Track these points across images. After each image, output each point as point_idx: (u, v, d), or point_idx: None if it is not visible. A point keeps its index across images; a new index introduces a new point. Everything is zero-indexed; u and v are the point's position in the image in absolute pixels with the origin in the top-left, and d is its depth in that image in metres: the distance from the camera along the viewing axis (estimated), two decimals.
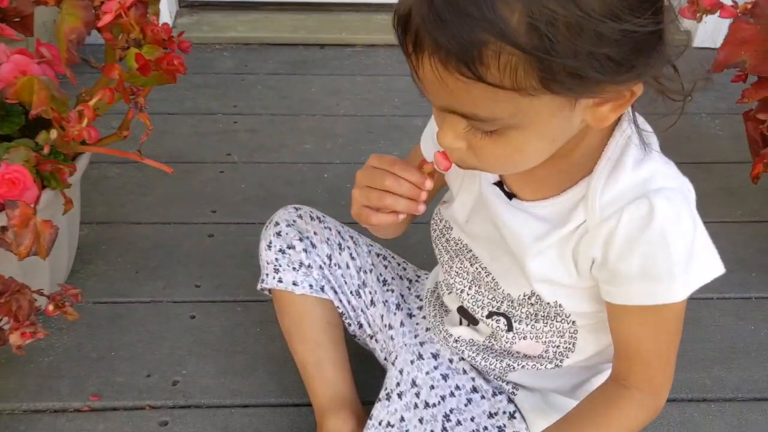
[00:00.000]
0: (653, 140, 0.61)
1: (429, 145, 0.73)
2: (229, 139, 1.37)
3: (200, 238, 1.13)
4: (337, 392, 0.83)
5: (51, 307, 0.79)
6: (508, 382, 0.78)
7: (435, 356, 0.80)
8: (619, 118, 0.58)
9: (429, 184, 0.61)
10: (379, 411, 0.77)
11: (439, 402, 0.76)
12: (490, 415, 0.75)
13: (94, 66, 1.25)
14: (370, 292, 0.87)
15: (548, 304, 0.68)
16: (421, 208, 0.62)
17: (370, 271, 0.88)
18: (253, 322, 0.98)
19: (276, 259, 0.84)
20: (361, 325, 0.88)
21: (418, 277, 0.92)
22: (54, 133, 0.79)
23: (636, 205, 0.57)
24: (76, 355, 0.93)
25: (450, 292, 0.77)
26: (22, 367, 0.91)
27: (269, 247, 0.85)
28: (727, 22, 0.95)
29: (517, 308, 0.70)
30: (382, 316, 0.87)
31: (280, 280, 0.84)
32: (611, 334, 0.67)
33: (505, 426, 0.75)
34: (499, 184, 0.66)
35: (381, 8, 1.76)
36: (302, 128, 1.41)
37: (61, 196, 0.84)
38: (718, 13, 0.97)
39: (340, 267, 0.86)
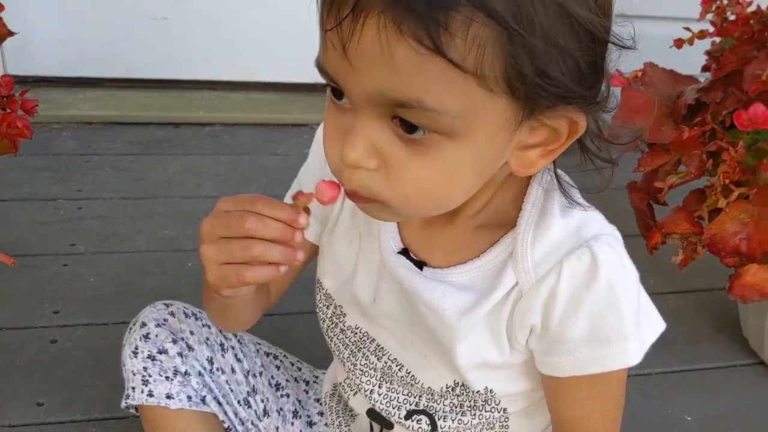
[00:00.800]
0: (574, 191, 0.54)
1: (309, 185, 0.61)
2: (74, 228, 1.18)
3: (42, 344, 0.93)
4: None
5: None
6: None
7: None
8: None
9: (303, 220, 0.48)
10: None
11: None
12: None
13: None
14: (262, 400, 0.73)
15: (477, 392, 0.58)
16: (300, 255, 0.49)
17: (260, 374, 0.75)
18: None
19: (144, 368, 0.68)
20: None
21: (316, 377, 0.80)
22: None
23: (576, 256, 0.50)
24: None
25: (356, 393, 0.66)
26: None
27: (135, 353, 0.68)
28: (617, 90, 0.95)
29: (439, 402, 0.60)
30: (277, 428, 0.73)
31: (150, 394, 0.67)
32: (551, 414, 0.58)
33: None
34: (404, 252, 0.57)
35: (239, 87, 1.67)
36: (160, 212, 1.26)
37: None
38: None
39: (224, 372, 0.72)
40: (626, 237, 0.54)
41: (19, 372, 0.88)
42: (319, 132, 0.62)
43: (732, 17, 0.89)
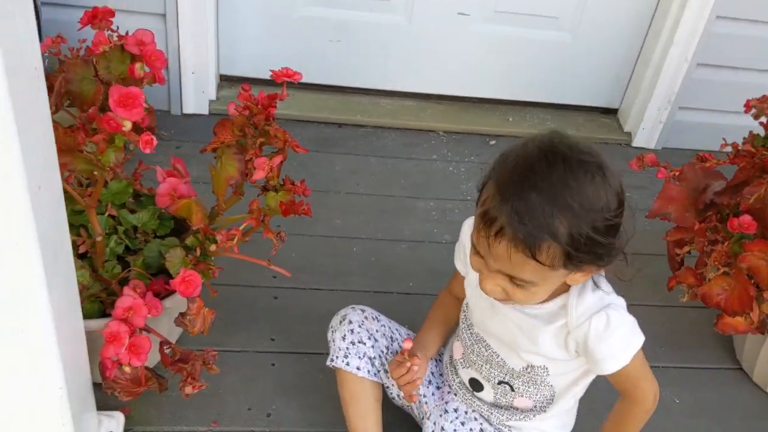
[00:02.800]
0: (602, 280, 1.04)
1: (460, 266, 1.15)
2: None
3: (268, 299, 1.50)
4: None
5: (199, 365, 1.15)
6: (505, 426, 1.19)
7: (456, 410, 1.21)
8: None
9: (410, 363, 1.12)
10: None
11: None
12: None
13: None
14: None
15: (538, 372, 1.09)
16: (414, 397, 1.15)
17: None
18: (317, 369, 1.36)
19: (347, 348, 1.21)
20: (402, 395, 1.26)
21: (440, 356, 1.32)
22: (213, 246, 1.15)
23: (598, 316, 1.00)
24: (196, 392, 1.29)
25: (468, 368, 1.18)
26: (158, 399, 1.27)
27: (343, 338, 1.21)
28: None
29: (517, 378, 1.12)
30: (419, 388, 1.26)
31: (347, 364, 1.20)
32: (614, 384, 1.09)
33: None
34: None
35: (388, 95, 2.16)
36: (331, 204, 1.79)
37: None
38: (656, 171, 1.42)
39: (392, 354, 1.25)
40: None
41: (257, 316, 1.45)
42: (465, 226, 1.13)
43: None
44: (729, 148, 1.36)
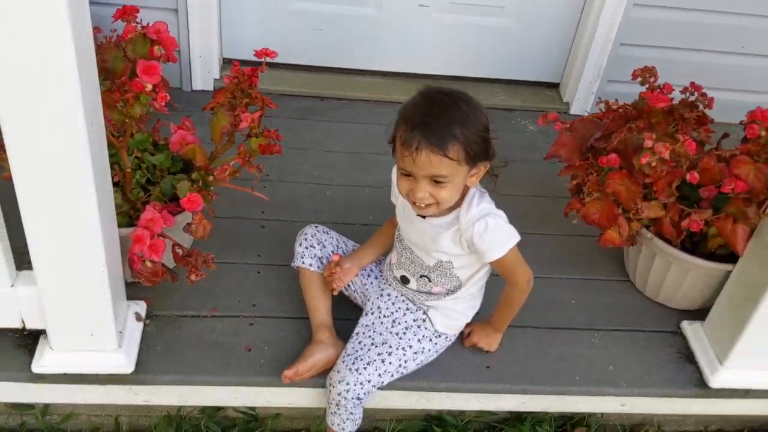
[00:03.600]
0: (486, 195, 1.46)
1: (393, 199, 1.58)
2: (269, 166, 2.16)
3: (258, 229, 1.94)
4: (323, 320, 1.65)
5: (200, 260, 1.59)
6: (425, 304, 1.62)
7: (389, 295, 1.64)
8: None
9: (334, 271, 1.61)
10: (361, 321, 1.61)
11: (390, 314, 1.61)
12: (414, 320, 1.60)
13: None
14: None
15: (446, 266, 1.52)
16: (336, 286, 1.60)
17: None
18: (291, 277, 1.79)
19: (303, 251, 1.67)
20: (348, 287, 1.70)
21: (381, 261, 1.75)
22: (211, 178, 1.59)
23: (479, 222, 1.43)
24: (199, 287, 1.72)
25: (400, 268, 1.61)
26: (171, 293, 1.71)
27: (300, 245, 1.67)
28: None
29: (432, 272, 1.55)
30: (362, 281, 1.69)
31: (303, 262, 1.66)
32: (498, 271, 1.52)
33: (421, 325, 1.60)
34: (422, 216, 1.50)
35: (362, 73, 2.58)
36: (312, 159, 2.23)
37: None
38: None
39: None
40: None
41: (249, 239, 1.89)
42: (393, 176, 1.56)
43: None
44: (603, 106, 1.77)
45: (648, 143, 1.54)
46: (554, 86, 2.69)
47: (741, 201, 1.57)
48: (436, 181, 1.36)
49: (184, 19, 2.28)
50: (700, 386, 1.72)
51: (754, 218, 1.56)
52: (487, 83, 2.66)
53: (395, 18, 2.48)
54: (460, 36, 2.54)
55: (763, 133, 1.56)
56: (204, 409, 1.76)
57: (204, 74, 2.39)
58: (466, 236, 1.46)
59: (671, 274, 1.79)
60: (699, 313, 1.83)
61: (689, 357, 1.78)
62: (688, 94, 1.86)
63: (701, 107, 1.82)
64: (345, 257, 1.68)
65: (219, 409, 1.77)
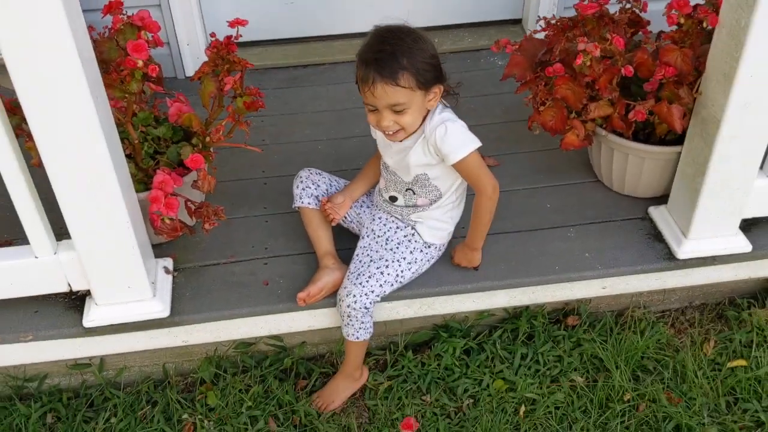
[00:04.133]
0: (449, 110, 1.67)
1: (373, 134, 1.80)
2: (262, 126, 2.39)
3: (262, 185, 2.17)
4: (327, 249, 1.89)
5: (212, 210, 1.82)
6: (412, 220, 1.84)
7: (380, 218, 1.87)
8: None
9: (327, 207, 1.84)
10: (359, 244, 1.83)
11: (383, 234, 1.84)
12: (405, 235, 1.83)
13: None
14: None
15: (423, 178, 1.74)
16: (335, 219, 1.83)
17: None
18: (295, 221, 2.02)
19: (300, 192, 1.90)
20: (345, 219, 1.92)
21: (371, 193, 1.97)
22: (208, 140, 1.82)
23: (439, 127, 1.64)
24: (216, 240, 1.96)
25: (387, 190, 1.83)
26: (192, 248, 1.95)
27: (297, 187, 1.90)
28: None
29: (413, 185, 1.77)
30: (356, 211, 1.92)
31: (302, 202, 1.89)
32: (464, 179, 1.73)
33: (411, 239, 1.82)
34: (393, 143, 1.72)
35: (338, 38, 2.79)
36: (301, 121, 2.45)
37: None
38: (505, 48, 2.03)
39: (331, 194, 1.91)
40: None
41: (255, 194, 2.12)
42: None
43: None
44: (542, 23, 1.97)
45: (581, 46, 1.74)
46: (517, 22, 2.87)
47: (672, 84, 1.76)
48: (395, 110, 1.57)
49: (167, 12, 2.51)
50: (669, 259, 1.92)
51: (687, 98, 1.76)
52: (454, 29, 2.85)
53: None
54: None
55: (682, 20, 1.75)
56: (237, 346, 2.00)
57: (194, 60, 2.62)
58: (431, 142, 1.67)
59: (630, 165, 1.99)
60: (664, 200, 2.03)
61: (658, 236, 1.98)
62: (624, 2, 2.04)
63: (637, 11, 2.01)
64: (338, 192, 1.90)
65: (250, 344, 2.01)
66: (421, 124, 1.67)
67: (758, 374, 1.91)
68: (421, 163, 1.72)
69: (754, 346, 1.99)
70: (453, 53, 2.78)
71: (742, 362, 1.95)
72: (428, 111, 1.67)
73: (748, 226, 1.97)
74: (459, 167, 1.69)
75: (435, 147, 1.67)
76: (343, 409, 1.91)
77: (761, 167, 1.85)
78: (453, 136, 1.65)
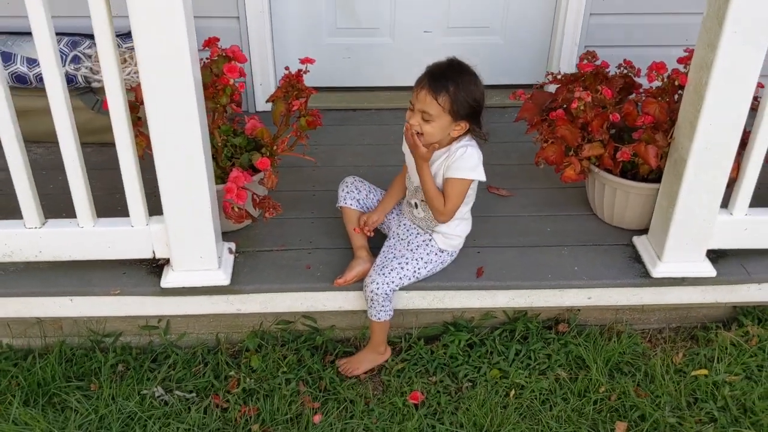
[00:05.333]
0: (475, 143, 2.11)
1: (404, 150, 2.25)
2: (318, 157, 2.86)
3: (311, 196, 2.63)
4: (361, 244, 2.30)
5: (272, 203, 2.27)
6: (430, 229, 2.25)
7: (405, 224, 2.30)
8: (466, 133, 2.08)
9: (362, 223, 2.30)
10: (385, 243, 2.26)
11: (405, 236, 2.26)
12: (423, 240, 2.24)
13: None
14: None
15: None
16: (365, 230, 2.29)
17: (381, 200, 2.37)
18: (337, 222, 2.45)
19: (345, 195, 2.35)
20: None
21: (399, 203, 2.40)
22: (275, 149, 2.28)
23: (462, 148, 2.08)
24: (270, 233, 2.40)
25: (411, 198, 2.27)
26: (252, 236, 2.39)
27: (342, 190, 2.35)
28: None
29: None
30: (387, 217, 2.35)
31: (345, 203, 2.34)
32: (443, 190, 2.14)
33: (428, 244, 2.23)
34: None
35: (383, 89, 3.30)
36: (348, 151, 2.92)
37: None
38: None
39: (370, 199, 2.35)
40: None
41: (307, 202, 2.57)
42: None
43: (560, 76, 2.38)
44: (550, 77, 2.42)
45: (577, 93, 2.18)
46: (540, 87, 3.33)
47: (650, 130, 2.18)
48: (424, 117, 2.01)
49: (247, 55, 3.04)
50: (645, 277, 2.29)
51: (663, 141, 2.17)
52: (486, 89, 3.32)
53: (406, 43, 3.21)
54: (458, 52, 3.20)
55: (659, 82, 2.18)
56: (279, 323, 2.40)
57: (265, 96, 3.14)
58: (451, 159, 2.08)
59: (617, 198, 2.39)
60: (647, 231, 2.41)
61: (638, 258, 2.36)
62: (622, 68, 2.49)
63: (632, 75, 2.45)
64: (373, 212, 2.34)
65: (289, 323, 2.41)
66: (448, 144, 2.10)
67: (716, 380, 2.24)
68: (436, 173, 2.14)
69: (715, 359, 2.32)
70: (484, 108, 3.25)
71: (704, 371, 2.27)
72: (453, 137, 2.09)
73: (717, 257, 2.33)
74: (447, 181, 2.10)
75: (450, 163, 2.09)
76: (362, 381, 2.28)
77: (727, 206, 2.23)
78: (468, 159, 2.07)
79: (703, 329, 2.47)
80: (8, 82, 2.80)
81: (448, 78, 1.99)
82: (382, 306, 2.17)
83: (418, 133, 2.06)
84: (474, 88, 2.02)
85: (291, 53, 3.19)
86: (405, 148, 2.25)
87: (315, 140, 2.98)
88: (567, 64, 3.14)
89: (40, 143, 2.91)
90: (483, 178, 2.10)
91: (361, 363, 2.29)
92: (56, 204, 2.33)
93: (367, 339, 2.39)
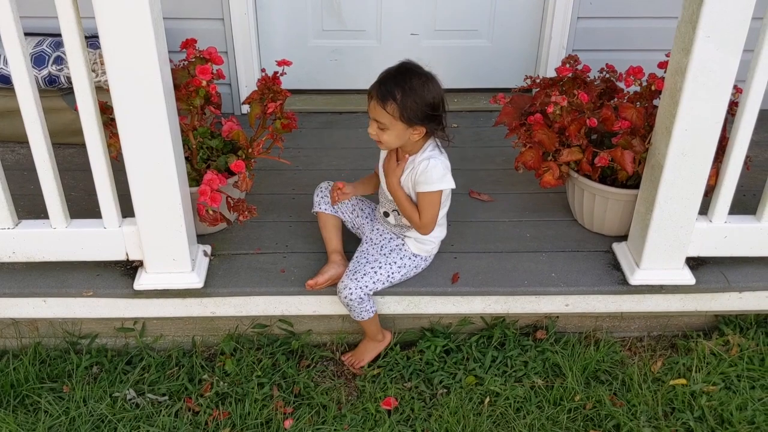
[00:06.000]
0: (441, 150, 2.09)
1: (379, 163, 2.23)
2: (300, 156, 2.85)
3: (290, 199, 2.61)
4: (336, 248, 2.29)
5: (246, 207, 2.25)
6: (403, 234, 2.24)
7: (378, 229, 2.28)
8: (428, 137, 2.06)
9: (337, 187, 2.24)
10: (359, 248, 2.24)
11: (378, 241, 2.24)
12: (396, 245, 2.22)
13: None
14: (359, 212, 2.34)
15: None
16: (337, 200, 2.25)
17: (356, 205, 2.35)
18: (314, 227, 2.44)
19: (319, 200, 2.33)
20: (353, 225, 2.34)
21: (374, 207, 2.38)
22: (250, 152, 2.27)
23: (425, 161, 2.05)
24: (247, 236, 2.39)
25: (383, 207, 2.25)
26: (228, 239, 2.38)
27: (316, 195, 2.33)
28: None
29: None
30: (361, 221, 2.33)
31: (320, 208, 2.32)
32: (418, 205, 2.12)
33: (401, 248, 2.21)
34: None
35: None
36: (331, 155, 2.91)
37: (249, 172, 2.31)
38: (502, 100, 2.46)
39: (345, 204, 2.33)
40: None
41: (285, 207, 2.56)
42: None
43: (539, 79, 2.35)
44: (528, 81, 2.40)
45: (553, 98, 2.16)
46: (526, 90, 3.31)
47: (627, 134, 2.15)
48: (379, 126, 1.99)
49: (232, 59, 3.04)
50: (623, 284, 2.26)
51: (640, 147, 2.14)
52: (472, 92, 3.31)
53: (392, 46, 3.19)
54: (445, 56, 3.21)
55: (636, 86, 2.15)
56: (255, 326, 2.39)
57: None
58: (416, 171, 2.06)
59: (597, 204, 2.36)
60: (626, 239, 2.38)
61: (616, 266, 2.33)
62: (603, 73, 2.47)
63: (613, 80, 2.43)
64: (347, 184, 2.30)
65: (265, 326, 2.40)
66: (414, 152, 2.08)
67: (694, 389, 2.20)
68: (404, 186, 2.12)
69: (694, 368, 2.28)
70: (469, 112, 3.23)
71: (682, 381, 2.24)
72: (418, 143, 2.07)
73: (697, 265, 2.30)
74: (419, 196, 2.08)
75: (415, 177, 2.06)
76: (335, 386, 2.26)
77: (706, 213, 2.20)
78: (433, 171, 2.04)
79: (683, 338, 2.44)
80: None
81: (396, 84, 1.94)
82: (361, 308, 2.16)
83: (377, 141, 2.04)
84: (424, 92, 1.96)
85: (276, 55, 3.18)
86: (381, 154, 2.23)
87: (298, 143, 2.98)
88: (555, 68, 3.11)
89: (23, 143, 2.90)
90: (452, 185, 2.08)
91: (364, 354, 2.31)
92: (36, 204, 2.34)
93: (345, 344, 2.38)
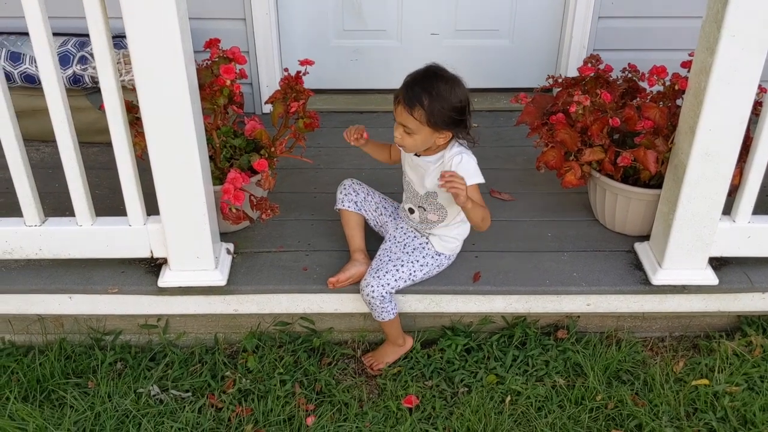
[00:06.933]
0: (465, 145, 2.09)
1: (402, 153, 2.24)
2: (321, 159, 2.87)
3: (312, 198, 2.63)
4: (358, 246, 2.30)
5: (268, 205, 2.27)
6: (427, 232, 2.24)
7: (401, 227, 2.29)
8: (453, 138, 2.07)
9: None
10: (381, 246, 2.25)
11: (402, 239, 2.25)
12: (420, 243, 2.23)
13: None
14: (383, 210, 2.35)
15: (432, 197, 2.15)
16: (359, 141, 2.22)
17: (379, 203, 2.37)
18: (336, 224, 2.45)
19: (343, 197, 2.34)
20: (376, 223, 2.35)
21: (397, 205, 2.39)
22: (273, 151, 2.29)
23: (457, 156, 2.06)
24: (269, 234, 2.41)
25: (407, 203, 2.26)
26: (250, 237, 2.40)
27: (340, 192, 2.34)
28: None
29: (424, 201, 2.18)
30: (384, 219, 2.34)
31: (343, 205, 2.33)
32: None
33: (424, 247, 2.22)
34: (416, 155, 2.15)
35: (390, 91, 3.27)
36: (352, 152, 2.92)
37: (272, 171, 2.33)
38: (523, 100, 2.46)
39: (368, 202, 2.34)
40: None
41: (307, 204, 2.57)
42: None
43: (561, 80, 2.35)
44: (551, 80, 2.40)
45: (576, 97, 2.15)
46: (547, 90, 3.31)
47: (650, 134, 2.14)
48: (405, 130, 2.00)
49: (254, 59, 3.06)
50: (645, 284, 2.26)
51: (663, 146, 2.14)
52: (493, 92, 3.31)
53: (413, 46, 3.20)
54: (466, 56, 3.22)
55: (659, 86, 2.15)
56: (277, 324, 2.41)
57: None
58: (446, 167, 2.07)
59: (619, 204, 2.36)
60: (649, 238, 2.38)
61: (638, 265, 2.32)
62: (626, 72, 2.46)
63: (636, 80, 2.42)
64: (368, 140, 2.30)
65: (287, 324, 2.41)
66: (442, 148, 2.09)
67: (716, 390, 2.19)
68: (434, 183, 2.13)
69: (716, 369, 2.27)
70: (489, 111, 3.24)
71: (704, 381, 2.23)
72: (442, 144, 2.07)
73: (720, 265, 2.29)
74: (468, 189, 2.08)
75: (449, 169, 2.07)
76: (357, 384, 2.28)
77: (729, 213, 2.19)
78: (465, 165, 2.04)
79: (705, 338, 2.43)
80: (17, 82, 2.86)
81: (423, 89, 1.94)
82: (382, 308, 2.17)
83: (400, 144, 2.05)
84: (451, 97, 1.96)
85: (297, 55, 3.19)
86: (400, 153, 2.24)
87: (319, 142, 3.00)
88: (575, 68, 3.10)
89: (48, 142, 2.95)
90: (483, 180, 2.09)
91: (384, 357, 2.31)
92: (61, 202, 2.37)
93: (366, 342, 2.39)
